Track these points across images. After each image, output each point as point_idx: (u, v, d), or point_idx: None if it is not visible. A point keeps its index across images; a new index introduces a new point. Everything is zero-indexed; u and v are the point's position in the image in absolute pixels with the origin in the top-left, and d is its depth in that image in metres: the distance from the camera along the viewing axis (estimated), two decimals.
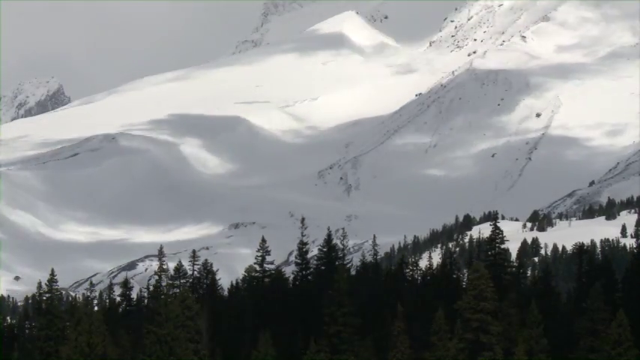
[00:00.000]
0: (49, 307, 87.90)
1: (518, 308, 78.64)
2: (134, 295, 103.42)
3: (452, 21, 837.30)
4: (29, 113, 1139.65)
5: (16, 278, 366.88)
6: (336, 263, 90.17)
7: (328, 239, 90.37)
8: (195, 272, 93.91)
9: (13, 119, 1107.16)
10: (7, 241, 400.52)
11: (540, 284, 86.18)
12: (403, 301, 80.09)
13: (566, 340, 77.97)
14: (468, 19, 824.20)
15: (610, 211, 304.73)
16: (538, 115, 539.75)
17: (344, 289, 78.27)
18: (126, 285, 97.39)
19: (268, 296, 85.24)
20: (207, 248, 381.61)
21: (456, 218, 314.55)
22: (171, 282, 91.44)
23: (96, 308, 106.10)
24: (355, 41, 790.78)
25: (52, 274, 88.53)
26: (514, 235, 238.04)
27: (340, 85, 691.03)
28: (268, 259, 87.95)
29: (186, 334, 79.33)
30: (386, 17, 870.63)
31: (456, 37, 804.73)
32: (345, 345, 75.89)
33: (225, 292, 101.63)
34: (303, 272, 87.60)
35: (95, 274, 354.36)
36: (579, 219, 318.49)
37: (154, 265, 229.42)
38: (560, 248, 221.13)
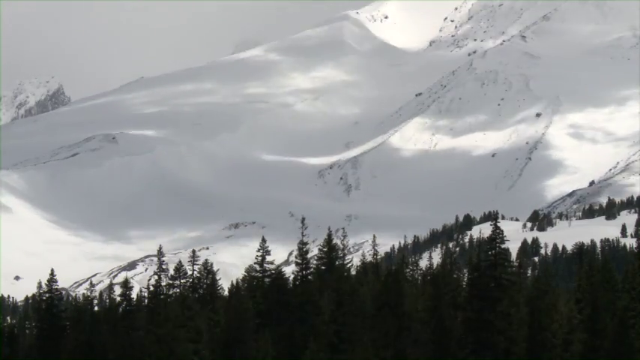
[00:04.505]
0: (49, 307, 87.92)
1: (518, 308, 78.68)
2: (134, 295, 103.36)
3: (452, 21, 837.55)
4: (29, 113, 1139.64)
5: (16, 278, 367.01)
6: (336, 263, 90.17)
7: (328, 239, 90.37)
8: (195, 272, 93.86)
9: (13, 119, 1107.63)
10: (7, 240, 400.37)
11: (540, 284, 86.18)
12: (403, 301, 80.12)
13: (566, 340, 78.02)
14: (468, 19, 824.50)
15: (610, 211, 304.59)
16: (538, 115, 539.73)
17: (344, 289, 78.32)
18: (126, 285, 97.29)
19: (268, 296, 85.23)
20: (208, 248, 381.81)
21: (456, 218, 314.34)
22: (171, 282, 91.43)
23: (96, 308, 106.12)
24: (355, 41, 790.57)
25: (52, 274, 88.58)
26: (514, 235, 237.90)
27: (340, 84, 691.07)
28: (268, 259, 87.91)
29: (186, 334, 79.35)
30: (386, 17, 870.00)
31: (456, 37, 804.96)
32: (345, 345, 75.92)
33: (225, 292, 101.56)
34: (303, 272, 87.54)
35: (95, 274, 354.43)
36: (579, 219, 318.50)
37: (154, 265, 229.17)
38: (560, 248, 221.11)
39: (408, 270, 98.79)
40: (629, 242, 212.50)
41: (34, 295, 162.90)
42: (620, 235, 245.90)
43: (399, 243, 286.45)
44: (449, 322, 77.48)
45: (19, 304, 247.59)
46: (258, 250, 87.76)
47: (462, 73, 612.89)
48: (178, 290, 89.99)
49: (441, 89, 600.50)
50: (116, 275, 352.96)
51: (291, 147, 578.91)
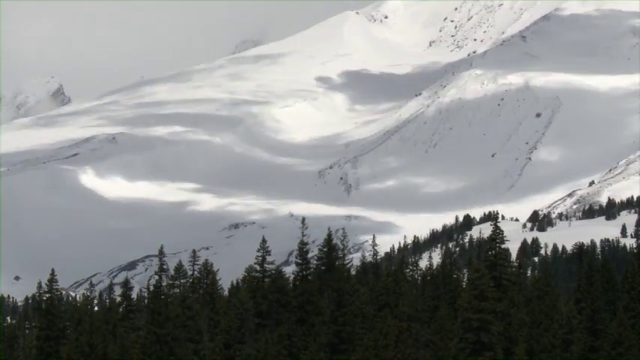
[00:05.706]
0: (49, 307, 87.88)
1: (518, 308, 78.69)
2: (134, 295, 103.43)
3: (452, 21, 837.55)
4: (29, 113, 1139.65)
5: (16, 278, 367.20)
6: (336, 263, 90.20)
7: (328, 239, 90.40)
8: (196, 272, 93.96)
9: (13, 119, 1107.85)
10: (7, 240, 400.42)
11: (540, 284, 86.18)
12: (403, 301, 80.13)
13: (566, 340, 77.99)
14: (468, 19, 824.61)
15: (610, 211, 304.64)
16: (538, 115, 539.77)
17: (344, 289, 78.38)
18: (126, 285, 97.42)
19: (268, 296, 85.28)
20: (207, 248, 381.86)
21: (456, 218, 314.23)
22: (171, 282, 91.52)
23: (96, 308, 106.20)
24: (355, 41, 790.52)
25: (52, 274, 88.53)
26: (514, 235, 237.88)
27: (339, 84, 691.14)
28: (268, 259, 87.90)
29: (186, 334, 79.40)
30: (386, 17, 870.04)
31: (456, 37, 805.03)
32: (345, 345, 75.95)
33: (225, 292, 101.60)
34: (303, 272, 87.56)
35: (95, 274, 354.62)
36: (579, 219, 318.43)
37: (154, 265, 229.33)
38: (560, 248, 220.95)
39: (407, 270, 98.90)
40: (629, 242, 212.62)
41: (34, 295, 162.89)
42: (620, 235, 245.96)
43: (399, 243, 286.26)
44: (449, 322, 77.46)
45: (19, 304, 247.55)
46: (258, 250, 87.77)
47: (462, 73, 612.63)
48: (178, 290, 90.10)
49: (441, 89, 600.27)
50: (116, 275, 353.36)
51: (291, 147, 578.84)
